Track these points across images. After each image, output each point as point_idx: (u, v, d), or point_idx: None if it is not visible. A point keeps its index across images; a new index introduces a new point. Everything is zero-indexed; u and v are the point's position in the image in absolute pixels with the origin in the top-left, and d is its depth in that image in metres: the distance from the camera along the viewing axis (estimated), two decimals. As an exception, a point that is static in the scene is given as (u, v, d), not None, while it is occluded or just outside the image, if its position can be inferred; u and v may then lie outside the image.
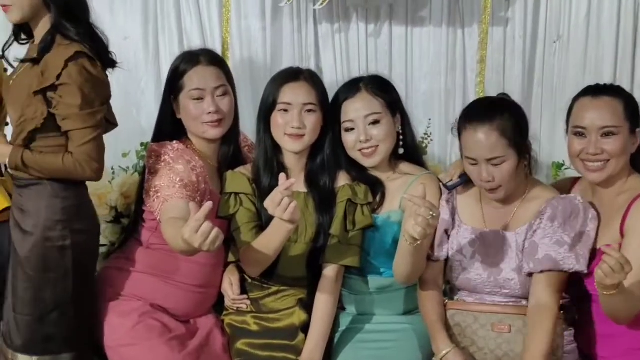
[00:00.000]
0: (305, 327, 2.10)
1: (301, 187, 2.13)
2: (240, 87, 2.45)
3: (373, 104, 2.13)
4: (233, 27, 2.76)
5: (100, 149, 1.98)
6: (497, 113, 1.94)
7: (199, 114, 2.12)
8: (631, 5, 2.70)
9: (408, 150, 2.20)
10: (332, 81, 2.65)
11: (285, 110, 2.09)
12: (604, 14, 2.71)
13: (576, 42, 2.72)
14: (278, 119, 2.10)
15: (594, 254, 1.94)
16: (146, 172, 2.11)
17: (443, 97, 2.79)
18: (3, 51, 2.10)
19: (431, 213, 1.79)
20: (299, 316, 2.11)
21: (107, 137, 2.10)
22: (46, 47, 1.95)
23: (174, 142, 2.12)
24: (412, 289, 2.13)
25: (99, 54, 2.00)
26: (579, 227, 1.93)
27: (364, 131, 2.11)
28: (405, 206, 1.99)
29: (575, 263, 1.91)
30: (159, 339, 2.03)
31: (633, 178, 1.98)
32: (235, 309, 2.17)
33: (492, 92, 2.59)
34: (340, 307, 2.20)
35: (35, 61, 1.96)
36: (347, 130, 2.14)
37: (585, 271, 1.93)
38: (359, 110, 2.12)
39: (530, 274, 1.95)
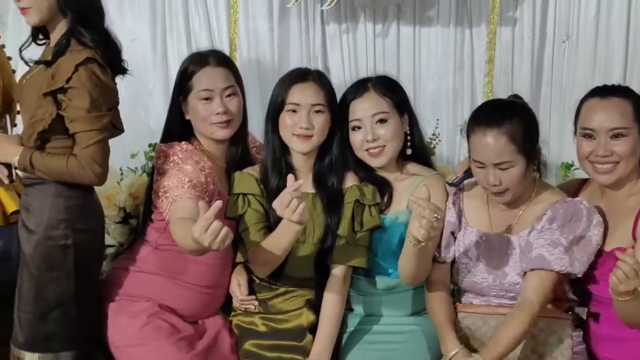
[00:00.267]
0: (313, 328, 2.10)
1: (309, 187, 2.12)
2: (248, 88, 2.44)
3: (380, 104, 2.13)
4: (241, 28, 2.76)
5: (104, 152, 1.99)
6: (507, 117, 1.90)
7: (208, 115, 2.13)
8: (641, 5, 2.69)
9: (416, 150, 2.19)
10: (340, 81, 2.65)
11: (294, 111, 2.09)
12: (614, 13, 2.70)
13: (585, 42, 2.71)
14: (286, 120, 2.10)
15: (601, 258, 1.93)
16: (155, 173, 2.12)
17: (451, 97, 2.78)
18: (20, 51, 2.13)
19: (435, 215, 1.78)
20: (307, 317, 2.11)
21: (115, 138, 2.11)
22: (60, 50, 1.98)
23: (183, 142, 2.13)
24: (420, 289, 2.13)
25: (111, 61, 2.03)
26: (579, 231, 1.91)
27: (371, 130, 2.11)
28: (412, 208, 1.99)
29: (568, 265, 1.89)
30: (167, 339, 2.04)
31: None
32: (243, 309, 2.17)
33: (501, 93, 2.59)
34: (348, 308, 2.20)
35: (48, 63, 1.99)
36: (355, 129, 2.14)
37: (579, 275, 1.92)
38: (366, 109, 2.12)
39: (524, 273, 1.94)
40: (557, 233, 1.90)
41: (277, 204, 1.83)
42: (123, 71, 2.09)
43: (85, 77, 1.94)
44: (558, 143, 2.71)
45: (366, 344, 2.12)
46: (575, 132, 2.01)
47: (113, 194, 2.52)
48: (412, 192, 2.09)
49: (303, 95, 2.09)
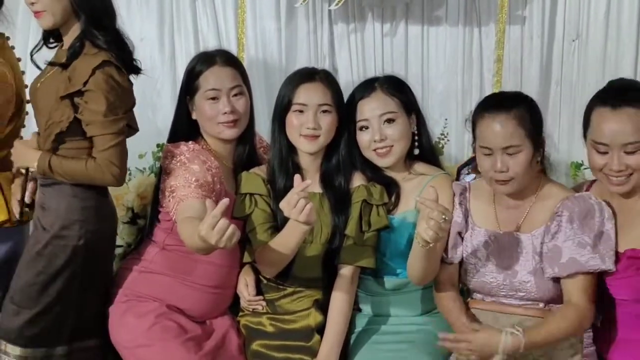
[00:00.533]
0: (321, 329, 2.09)
1: (316, 187, 2.12)
2: (256, 88, 2.45)
3: (388, 104, 2.12)
4: (248, 28, 2.76)
5: (122, 154, 2.01)
6: (515, 103, 1.94)
7: (215, 115, 2.13)
8: (652, 3, 2.67)
9: (423, 150, 2.19)
10: (348, 81, 2.64)
11: (301, 111, 2.09)
12: (624, 12, 2.67)
13: (595, 41, 2.68)
14: (293, 120, 2.09)
15: (617, 257, 1.91)
16: (162, 173, 2.12)
17: (459, 97, 2.77)
18: (32, 54, 2.15)
19: (443, 216, 1.78)
20: (314, 317, 2.10)
21: (124, 139, 2.12)
22: (75, 52, 2.00)
23: (190, 142, 2.13)
24: (429, 289, 2.12)
25: (125, 62, 2.04)
26: (597, 227, 1.91)
27: (379, 130, 2.10)
28: (419, 208, 1.98)
29: (601, 263, 1.89)
30: (175, 339, 2.04)
31: None
32: (250, 310, 2.17)
33: (509, 92, 2.57)
34: (356, 308, 2.20)
35: (64, 66, 2.00)
36: (362, 129, 2.13)
37: (613, 269, 1.90)
38: (374, 109, 2.12)
39: (555, 279, 1.92)
40: (580, 232, 1.89)
41: (284, 205, 1.82)
42: (137, 70, 2.10)
43: (102, 80, 1.95)
44: (568, 142, 2.70)
45: (374, 344, 2.11)
46: (584, 137, 1.97)
47: (121, 194, 2.53)
48: (419, 192, 2.09)
49: (310, 95, 2.09)
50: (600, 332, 2.01)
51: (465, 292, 2.15)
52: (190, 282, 2.13)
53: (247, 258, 2.13)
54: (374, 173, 2.16)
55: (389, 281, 2.15)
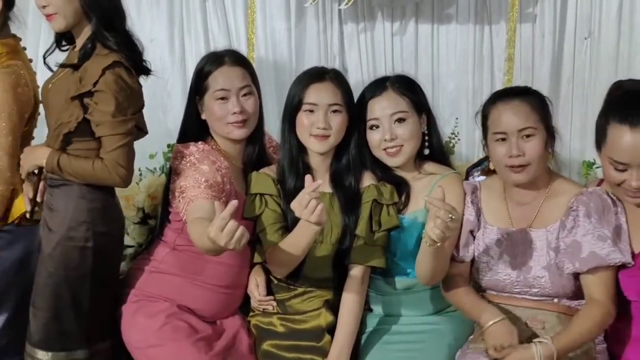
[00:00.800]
0: (331, 329, 2.09)
1: (326, 187, 2.12)
2: (265, 88, 2.44)
3: (399, 103, 2.11)
4: (258, 28, 2.76)
5: (129, 156, 2.02)
6: (525, 92, 2.00)
7: (224, 115, 2.13)
8: (665, 0, 2.64)
9: (433, 151, 2.18)
10: (358, 81, 2.64)
11: (311, 111, 2.08)
12: (637, 9, 2.64)
13: (607, 38, 2.66)
14: (303, 120, 2.09)
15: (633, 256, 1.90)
16: (171, 173, 2.13)
17: (470, 96, 2.75)
18: (45, 57, 2.16)
19: (450, 216, 1.77)
20: (325, 317, 2.10)
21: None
22: (86, 54, 2.02)
23: (199, 142, 2.13)
24: (439, 289, 2.10)
25: (135, 63, 2.05)
26: (614, 220, 1.90)
27: (389, 130, 2.10)
28: (428, 207, 1.97)
29: (621, 256, 1.88)
30: (185, 340, 2.04)
31: None
32: (261, 310, 2.17)
33: (520, 91, 2.55)
34: (367, 308, 2.19)
35: (75, 67, 2.02)
36: (372, 128, 2.13)
37: (632, 262, 1.88)
38: (384, 108, 2.11)
39: (575, 274, 1.91)
40: (599, 226, 1.89)
41: (295, 205, 1.82)
42: (147, 71, 2.11)
43: (112, 81, 1.96)
44: (580, 141, 2.68)
45: (385, 344, 2.10)
46: (598, 148, 1.91)
47: (132, 195, 2.54)
48: (429, 192, 2.08)
49: (320, 95, 2.09)
50: (612, 330, 1.98)
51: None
52: (201, 282, 2.13)
53: (257, 258, 2.13)
54: (384, 172, 2.15)
55: (400, 281, 2.14)
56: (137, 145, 2.13)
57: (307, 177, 1.84)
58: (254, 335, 2.17)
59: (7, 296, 2.19)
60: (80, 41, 2.08)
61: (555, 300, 1.96)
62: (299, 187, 1.88)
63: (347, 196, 2.11)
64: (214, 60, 2.16)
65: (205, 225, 1.73)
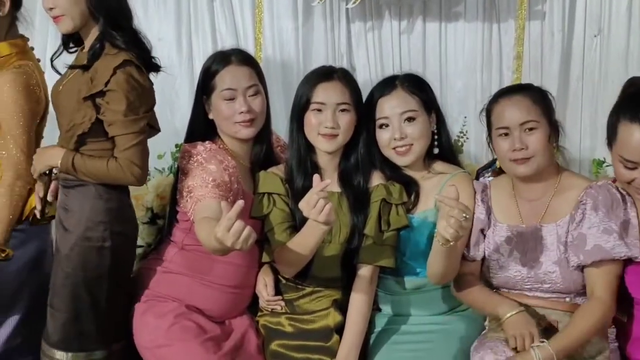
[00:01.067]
0: (340, 329, 2.08)
1: (335, 186, 2.11)
2: (273, 87, 2.44)
3: (409, 102, 2.11)
4: (266, 27, 2.76)
5: (143, 154, 2.03)
6: (527, 87, 2.05)
7: (231, 114, 2.12)
8: (676, -3, 2.62)
9: (443, 150, 2.17)
10: (366, 80, 2.63)
11: (319, 110, 2.08)
12: (647, 6, 2.63)
13: (617, 36, 2.64)
14: (311, 119, 2.09)
15: None
16: (179, 173, 2.13)
17: (479, 94, 2.73)
18: (52, 60, 2.17)
19: (464, 215, 1.77)
20: (333, 317, 2.10)
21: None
22: (95, 54, 2.02)
23: (206, 142, 2.13)
24: (449, 288, 2.10)
25: (144, 61, 2.05)
26: (622, 215, 1.90)
27: (399, 129, 2.09)
28: (439, 206, 1.97)
29: (627, 250, 1.87)
30: (194, 340, 2.03)
31: None
32: (269, 310, 2.17)
33: (529, 89, 2.54)
34: (376, 308, 2.19)
35: (85, 68, 2.02)
36: (382, 127, 2.12)
37: (638, 257, 1.87)
38: (394, 107, 2.10)
39: (580, 267, 1.90)
40: (606, 220, 1.88)
41: (303, 205, 1.82)
42: (157, 68, 2.11)
43: (123, 80, 1.97)
44: (590, 140, 2.66)
45: (394, 344, 2.10)
46: (609, 146, 1.92)
47: (140, 195, 2.54)
48: (439, 191, 2.07)
49: (328, 94, 2.08)
50: (623, 330, 1.98)
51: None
52: (209, 282, 2.13)
53: (265, 258, 2.13)
54: (393, 172, 2.15)
55: (409, 281, 2.13)
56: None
57: (316, 177, 1.84)
58: (262, 335, 2.17)
59: (20, 295, 2.21)
60: (88, 42, 2.08)
61: (567, 299, 1.95)
62: (307, 186, 1.88)
63: (355, 195, 2.10)
64: (221, 60, 2.16)
65: (212, 225, 1.73)
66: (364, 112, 2.14)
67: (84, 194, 2.05)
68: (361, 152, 2.13)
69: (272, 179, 2.13)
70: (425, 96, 2.14)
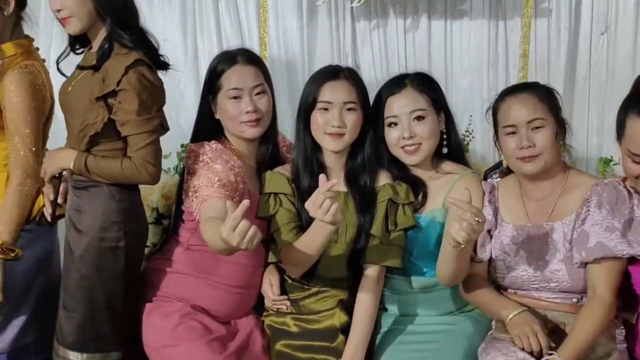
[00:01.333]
0: (345, 329, 2.08)
1: (341, 186, 2.10)
2: (278, 86, 2.43)
3: (418, 100, 2.10)
4: (270, 26, 2.76)
5: (157, 153, 2.03)
6: (533, 86, 2.04)
7: (237, 114, 2.12)
8: (684, -7, 2.60)
9: (451, 150, 2.16)
10: (371, 78, 2.62)
11: (326, 109, 2.07)
12: (655, 3, 2.61)
13: (624, 33, 2.62)
14: (318, 118, 2.08)
15: None
16: (185, 173, 2.12)
17: (485, 93, 2.72)
18: (58, 62, 2.17)
19: (477, 219, 1.76)
20: (339, 317, 2.09)
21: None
22: (104, 54, 2.02)
23: (212, 142, 2.13)
24: (455, 288, 2.09)
25: (154, 59, 2.05)
26: (627, 213, 1.89)
27: (408, 127, 2.08)
28: (448, 207, 1.96)
29: (629, 248, 1.86)
30: (199, 340, 2.03)
31: None
32: (275, 309, 2.16)
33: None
34: (382, 308, 2.18)
35: (95, 68, 2.02)
36: (391, 125, 2.11)
37: None
38: (403, 106, 2.09)
39: (582, 264, 1.89)
40: (609, 217, 1.87)
41: (309, 205, 1.81)
42: (165, 66, 2.12)
43: (135, 80, 1.97)
44: (597, 138, 2.65)
45: (401, 344, 2.09)
46: (618, 141, 1.93)
47: (146, 195, 2.53)
48: (448, 191, 2.07)
49: (335, 93, 2.07)
50: (631, 330, 1.97)
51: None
52: (215, 282, 2.12)
53: (271, 258, 2.12)
54: (401, 171, 2.14)
55: (416, 280, 2.12)
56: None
57: (322, 177, 1.83)
58: (267, 335, 2.16)
59: (28, 295, 2.21)
60: (96, 42, 2.08)
61: (575, 300, 1.94)
62: (314, 186, 1.87)
63: (362, 195, 2.09)
64: (227, 59, 2.15)
65: (218, 225, 1.72)
66: (371, 111, 2.13)
67: (96, 194, 2.05)
68: (368, 152, 2.12)
69: (278, 179, 2.12)
70: (435, 95, 2.13)
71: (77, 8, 2.02)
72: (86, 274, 2.04)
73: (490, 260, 2.04)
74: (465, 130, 2.69)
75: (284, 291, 2.16)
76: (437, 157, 2.16)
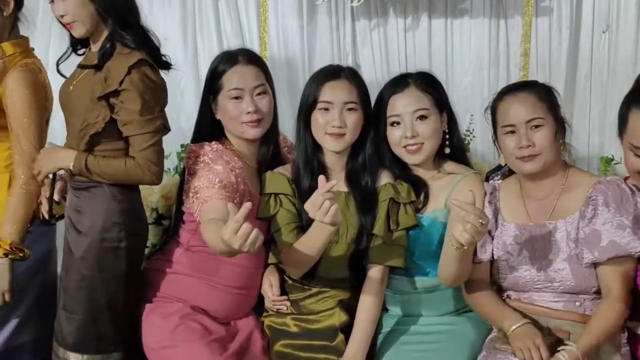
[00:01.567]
0: (344, 328, 2.07)
1: (342, 186, 2.10)
2: (278, 86, 2.42)
3: (421, 100, 2.09)
4: (270, 26, 2.75)
5: (160, 153, 2.04)
6: (532, 84, 2.04)
7: (238, 114, 2.11)
8: (685, -9, 2.59)
9: (454, 150, 2.16)
10: (371, 78, 2.61)
11: (326, 109, 2.07)
12: (656, 1, 2.61)
13: (626, 32, 2.62)
14: (319, 118, 2.07)
15: None
16: (185, 173, 2.12)
17: (486, 92, 2.71)
18: (58, 64, 2.17)
19: (480, 221, 1.76)
20: (339, 317, 2.08)
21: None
22: (106, 54, 2.02)
23: (213, 142, 2.12)
24: (459, 288, 2.08)
25: (156, 59, 2.05)
26: (632, 210, 1.88)
27: (410, 127, 2.07)
28: (450, 208, 1.95)
29: None
30: (199, 341, 2.03)
31: None
32: (275, 310, 2.16)
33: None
34: (383, 309, 2.17)
35: (97, 67, 2.02)
36: (393, 125, 2.10)
37: None
38: (406, 105, 2.09)
39: (594, 264, 1.89)
40: (618, 215, 1.87)
41: (309, 206, 1.80)
42: (167, 66, 2.11)
43: (138, 80, 1.97)
44: (599, 137, 2.64)
45: (403, 344, 2.08)
46: (619, 136, 1.93)
47: (146, 195, 2.52)
48: (450, 191, 2.06)
49: (335, 93, 2.07)
50: (634, 333, 1.96)
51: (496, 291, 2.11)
52: (215, 283, 2.12)
53: (272, 259, 2.12)
54: (402, 171, 2.13)
55: (420, 281, 2.12)
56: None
57: (321, 178, 1.82)
58: (267, 336, 2.15)
59: (25, 296, 2.20)
60: (98, 42, 2.07)
61: (578, 303, 1.92)
62: (314, 186, 1.86)
63: (363, 195, 2.09)
64: (227, 59, 2.14)
65: (219, 227, 1.71)
66: (373, 110, 2.12)
67: (97, 195, 2.04)
68: (369, 152, 2.11)
69: (278, 179, 2.12)
70: (438, 95, 2.12)
71: (79, 12, 2.02)
72: (87, 274, 2.03)
73: (493, 261, 2.03)
74: (466, 130, 2.69)
75: (284, 292, 2.15)
76: (439, 157, 2.15)
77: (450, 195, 2.04)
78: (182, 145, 2.59)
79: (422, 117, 2.08)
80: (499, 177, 2.19)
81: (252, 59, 2.17)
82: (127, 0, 2.07)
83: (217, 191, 1.97)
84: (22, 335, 2.21)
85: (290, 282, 2.15)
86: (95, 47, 2.09)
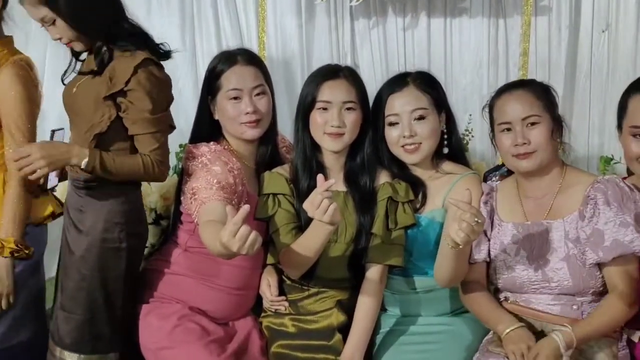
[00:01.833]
0: (342, 328, 2.07)
1: (340, 186, 2.09)
2: (277, 86, 2.41)
3: (420, 99, 2.09)
4: (269, 25, 2.75)
5: (167, 152, 2.07)
6: (528, 83, 2.05)
7: (237, 114, 2.11)
8: (685, -10, 2.59)
9: (452, 150, 2.15)
10: (370, 78, 2.62)
11: (325, 109, 2.06)
12: (656, 0, 2.61)
13: (626, 31, 2.62)
14: (317, 118, 2.07)
15: None
16: (183, 174, 2.11)
17: (485, 92, 2.71)
18: (63, 79, 2.18)
19: (476, 219, 1.75)
20: (337, 317, 2.08)
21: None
22: (103, 61, 2.02)
23: (211, 143, 2.11)
24: (456, 288, 2.07)
25: (157, 54, 2.05)
26: (633, 207, 1.88)
27: (409, 126, 2.07)
28: (447, 207, 1.94)
29: None
30: (197, 342, 2.02)
31: None
32: (273, 310, 2.15)
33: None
34: (382, 309, 2.16)
35: (97, 73, 2.02)
36: (391, 124, 2.10)
37: None
38: (404, 104, 2.08)
39: (598, 264, 1.88)
40: (620, 213, 1.86)
41: (307, 205, 1.80)
42: (167, 55, 2.11)
43: (144, 79, 1.97)
44: (598, 136, 2.64)
45: (402, 345, 2.08)
46: (618, 127, 1.95)
47: (144, 195, 2.51)
48: (448, 191, 2.05)
49: (334, 92, 2.06)
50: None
51: (493, 292, 2.10)
52: (213, 283, 2.11)
53: (270, 259, 2.11)
54: (401, 171, 2.13)
55: (418, 281, 2.11)
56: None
57: (319, 177, 1.82)
58: (265, 336, 2.15)
59: (20, 296, 2.19)
60: (94, 48, 2.07)
61: (575, 307, 1.91)
62: (313, 186, 1.85)
63: (361, 195, 2.08)
64: (226, 60, 2.14)
65: (217, 228, 1.71)
66: (371, 110, 2.12)
67: (99, 195, 2.04)
68: (367, 152, 2.11)
69: (277, 179, 2.11)
70: (437, 95, 2.12)
71: (71, 35, 2.03)
72: (87, 274, 2.03)
73: (490, 262, 2.02)
74: (465, 129, 2.69)
75: (282, 292, 2.15)
76: (437, 157, 2.14)
77: (448, 195, 2.03)
78: (180, 146, 2.59)
79: (420, 117, 2.08)
80: (497, 177, 2.18)
81: (251, 59, 2.16)
82: (102, 12, 2.03)
83: (215, 192, 1.96)
84: (17, 336, 2.20)
85: (288, 282, 2.14)
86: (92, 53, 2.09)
